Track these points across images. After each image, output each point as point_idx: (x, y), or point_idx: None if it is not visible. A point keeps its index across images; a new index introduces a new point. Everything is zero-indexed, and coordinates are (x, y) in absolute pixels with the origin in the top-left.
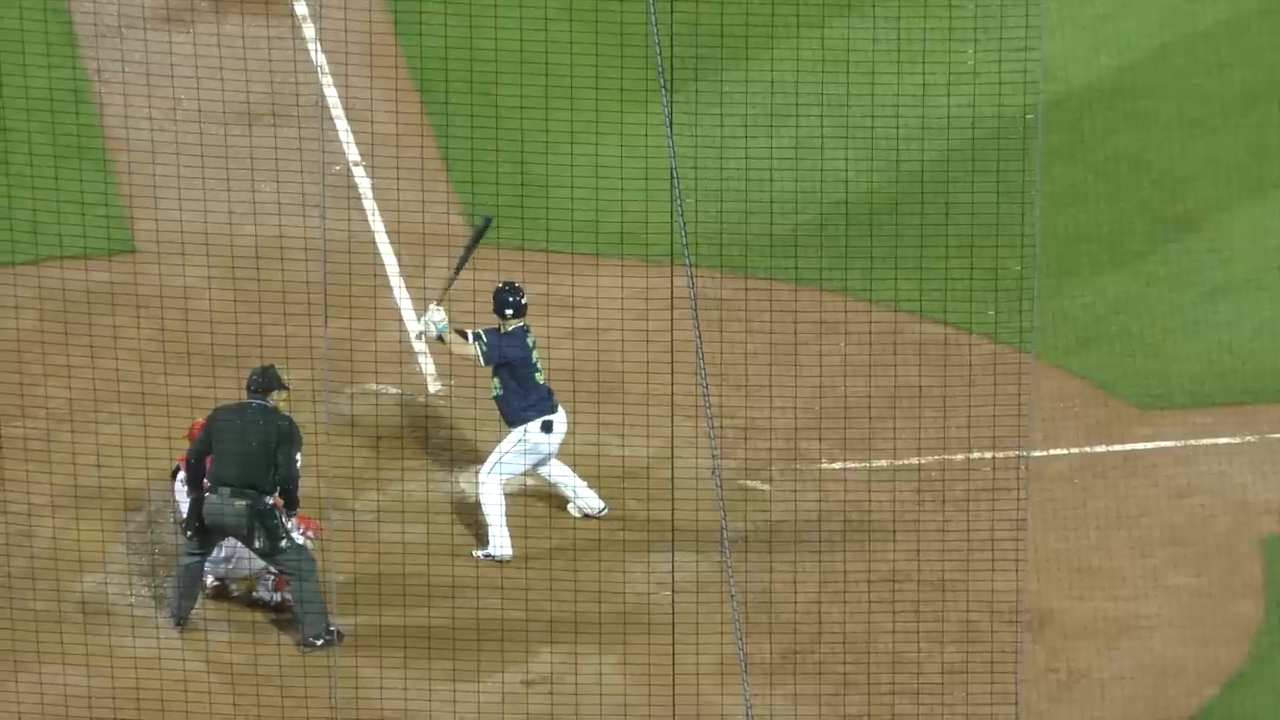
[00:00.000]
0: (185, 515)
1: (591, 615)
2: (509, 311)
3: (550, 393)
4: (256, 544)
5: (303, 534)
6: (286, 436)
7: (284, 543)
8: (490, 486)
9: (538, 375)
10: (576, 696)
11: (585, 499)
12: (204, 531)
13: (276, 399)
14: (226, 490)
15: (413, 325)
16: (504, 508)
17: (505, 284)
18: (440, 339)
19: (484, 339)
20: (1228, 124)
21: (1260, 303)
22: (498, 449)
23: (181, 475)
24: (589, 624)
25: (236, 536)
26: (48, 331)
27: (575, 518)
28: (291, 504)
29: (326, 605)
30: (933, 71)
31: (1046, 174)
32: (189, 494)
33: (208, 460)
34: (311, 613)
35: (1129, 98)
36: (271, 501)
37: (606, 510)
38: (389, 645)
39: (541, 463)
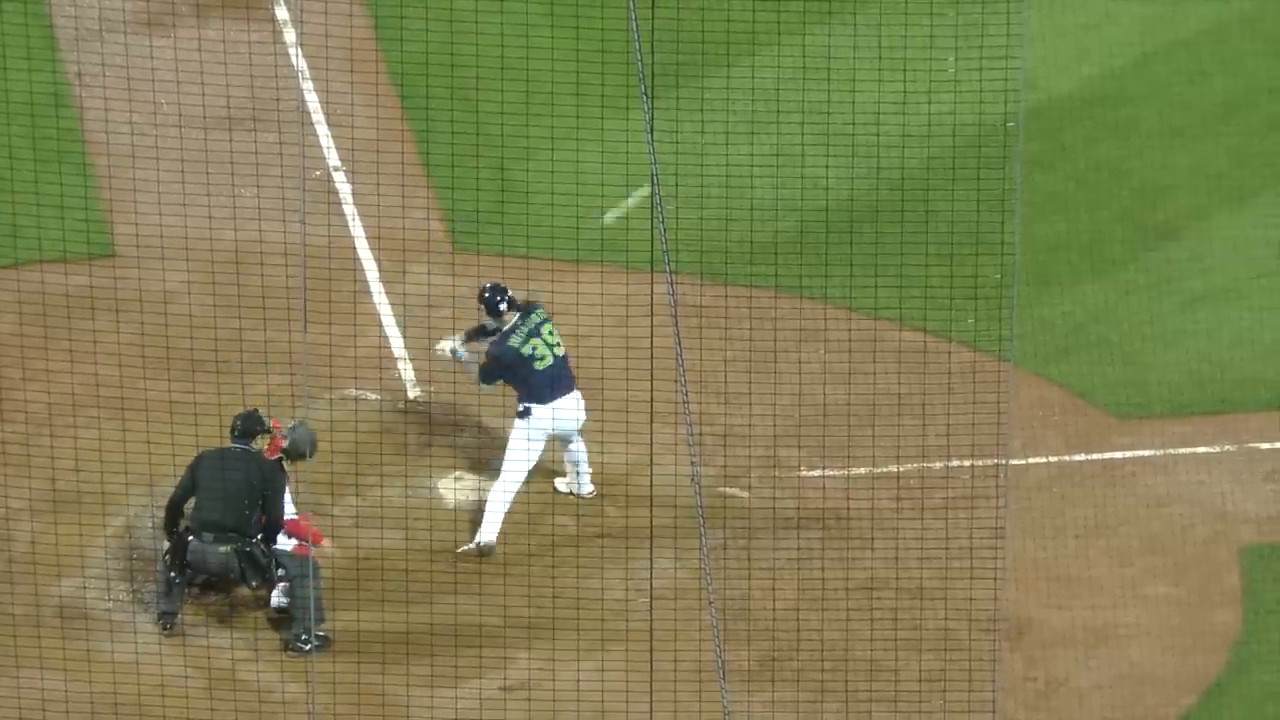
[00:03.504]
0: (169, 557)
1: (570, 621)
2: (503, 308)
3: (556, 377)
4: (252, 584)
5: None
6: (271, 480)
7: (280, 571)
8: (504, 494)
9: (537, 364)
10: (554, 703)
11: (581, 480)
12: (186, 573)
13: (260, 444)
14: (209, 535)
15: (443, 344)
16: (509, 506)
17: (488, 285)
18: (461, 362)
19: (478, 370)
20: (1208, 133)
21: (1240, 312)
22: (505, 457)
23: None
24: (567, 630)
25: (223, 578)
26: (27, 335)
27: (559, 493)
28: (271, 543)
29: (321, 611)
30: (914, 79)
31: (1027, 182)
32: (167, 536)
33: (187, 505)
34: (305, 614)
35: (1110, 106)
36: (255, 542)
37: (593, 492)
38: (367, 651)
39: (566, 440)
